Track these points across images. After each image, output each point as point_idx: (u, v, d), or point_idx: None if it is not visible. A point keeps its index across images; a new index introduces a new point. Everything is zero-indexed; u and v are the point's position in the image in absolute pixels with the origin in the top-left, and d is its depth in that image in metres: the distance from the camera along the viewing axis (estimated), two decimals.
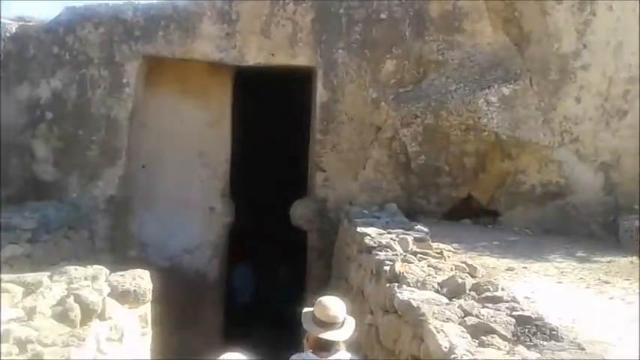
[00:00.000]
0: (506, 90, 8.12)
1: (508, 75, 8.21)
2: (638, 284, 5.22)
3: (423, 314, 3.84)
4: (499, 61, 8.28)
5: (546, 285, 5.34)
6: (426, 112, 8.20)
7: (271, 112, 10.78)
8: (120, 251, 8.12)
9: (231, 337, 8.87)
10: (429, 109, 8.19)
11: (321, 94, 8.37)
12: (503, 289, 4.32)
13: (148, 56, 8.36)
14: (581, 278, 5.58)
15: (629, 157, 8.09)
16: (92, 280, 4.24)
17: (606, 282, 5.41)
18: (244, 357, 3.40)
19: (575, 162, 8.12)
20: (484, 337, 3.47)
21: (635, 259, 6.24)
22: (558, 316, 4.30)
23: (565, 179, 8.13)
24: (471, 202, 8.34)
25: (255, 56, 8.32)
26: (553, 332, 3.53)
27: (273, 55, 8.33)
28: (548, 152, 8.12)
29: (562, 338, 3.47)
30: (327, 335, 3.82)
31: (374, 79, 8.31)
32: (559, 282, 5.48)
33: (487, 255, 6.29)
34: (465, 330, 3.60)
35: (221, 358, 3.34)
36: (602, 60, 8.05)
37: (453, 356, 3.19)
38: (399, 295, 4.31)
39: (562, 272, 5.80)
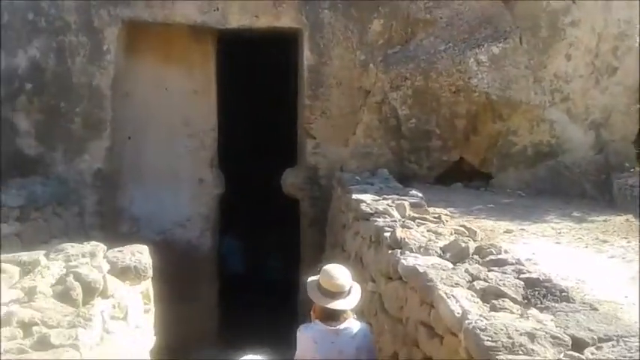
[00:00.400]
0: (495, 49, 8.00)
1: (497, 33, 8.08)
2: (635, 242, 5.25)
3: (431, 280, 3.78)
4: (488, 18, 8.13)
5: (546, 246, 5.33)
6: (416, 74, 8.05)
7: (257, 77, 10.59)
8: (110, 227, 7.93)
9: (227, 309, 8.86)
10: (418, 70, 8.04)
11: (307, 57, 8.16)
12: (506, 252, 4.29)
13: (128, 21, 8.02)
14: (579, 238, 5.59)
15: (619, 115, 8.11)
16: (90, 257, 4.09)
17: (604, 241, 5.43)
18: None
19: (566, 121, 8.09)
20: (495, 301, 3.43)
21: (630, 217, 6.27)
22: (562, 277, 4.29)
23: (556, 139, 8.10)
24: (463, 166, 8.28)
25: (238, 18, 8.06)
26: (563, 293, 3.50)
27: (256, 17, 8.07)
28: (540, 112, 8.06)
29: (573, 299, 3.44)
30: (335, 305, 3.75)
31: (361, 40, 8.12)
32: (558, 242, 5.49)
33: (484, 218, 6.26)
34: (474, 294, 3.55)
35: None
36: (591, 16, 7.97)
37: (466, 321, 3.15)
38: (403, 261, 4.25)
39: (559, 233, 5.80)
